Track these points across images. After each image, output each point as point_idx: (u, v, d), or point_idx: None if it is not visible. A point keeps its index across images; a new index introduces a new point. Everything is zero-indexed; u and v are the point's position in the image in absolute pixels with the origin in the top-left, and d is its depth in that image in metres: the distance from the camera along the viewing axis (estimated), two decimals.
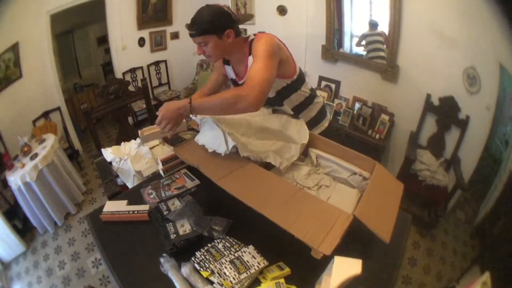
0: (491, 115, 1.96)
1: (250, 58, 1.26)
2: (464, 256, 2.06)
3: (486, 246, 1.94)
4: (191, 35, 1.20)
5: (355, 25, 2.80)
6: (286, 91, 1.37)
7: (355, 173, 1.17)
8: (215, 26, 1.18)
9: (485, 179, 2.03)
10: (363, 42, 2.72)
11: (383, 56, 2.57)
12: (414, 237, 2.22)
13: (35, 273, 2.07)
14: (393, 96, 2.59)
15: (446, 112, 2.24)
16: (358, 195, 1.12)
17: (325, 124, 1.56)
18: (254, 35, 1.28)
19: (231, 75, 1.43)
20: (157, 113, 1.11)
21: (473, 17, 1.94)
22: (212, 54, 1.24)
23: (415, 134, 2.48)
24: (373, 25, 2.61)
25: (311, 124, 1.48)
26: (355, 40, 2.83)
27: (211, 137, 1.17)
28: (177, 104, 1.10)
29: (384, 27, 2.50)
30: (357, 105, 2.85)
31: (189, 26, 1.19)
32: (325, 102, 3.00)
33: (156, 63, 3.91)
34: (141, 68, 3.77)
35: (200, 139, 1.20)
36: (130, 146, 1.61)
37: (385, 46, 2.56)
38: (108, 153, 1.56)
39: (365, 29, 2.69)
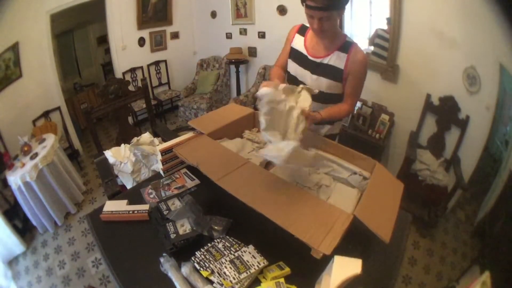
0: (491, 115, 1.96)
1: (342, 55, 1.33)
2: (464, 256, 2.06)
3: (486, 246, 1.93)
4: (314, 8, 1.17)
5: (355, 25, 2.80)
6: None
7: (355, 173, 1.18)
8: (344, 2, 1.22)
9: (485, 179, 2.03)
10: (376, 41, 2.65)
11: (385, 56, 2.57)
12: (414, 237, 2.22)
13: (35, 273, 2.07)
14: (393, 95, 2.59)
15: (446, 112, 2.24)
16: (358, 195, 1.12)
17: (336, 130, 1.64)
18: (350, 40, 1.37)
19: (299, 46, 1.45)
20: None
21: (473, 17, 1.93)
22: (329, 29, 1.26)
23: (415, 134, 2.48)
24: (390, 22, 2.48)
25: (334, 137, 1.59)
26: (356, 39, 2.82)
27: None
28: (315, 118, 1.20)
29: (384, 26, 2.50)
30: (357, 105, 2.85)
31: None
32: None
33: (156, 63, 3.92)
34: (141, 68, 3.77)
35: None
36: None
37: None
38: (109, 156, 1.57)
39: (365, 29, 2.69)
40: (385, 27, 2.52)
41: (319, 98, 1.37)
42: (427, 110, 2.37)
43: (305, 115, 1.08)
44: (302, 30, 1.45)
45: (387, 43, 2.51)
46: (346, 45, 1.33)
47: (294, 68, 1.48)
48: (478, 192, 2.10)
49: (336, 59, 1.34)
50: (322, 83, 1.39)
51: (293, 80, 1.50)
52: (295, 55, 1.46)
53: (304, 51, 1.42)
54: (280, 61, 1.55)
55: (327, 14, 1.19)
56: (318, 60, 1.38)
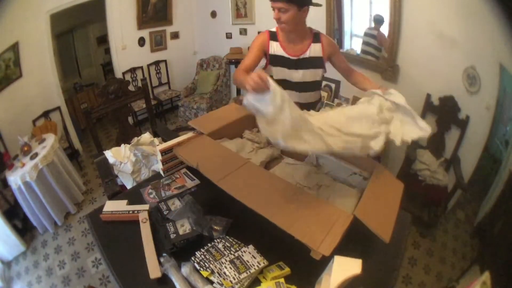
0: (491, 115, 1.96)
1: (316, 46, 1.54)
2: (464, 256, 2.06)
3: (486, 246, 1.93)
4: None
5: (355, 24, 2.80)
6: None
7: (355, 173, 1.18)
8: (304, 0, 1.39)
9: (485, 179, 2.03)
10: (364, 39, 2.72)
11: (375, 58, 2.61)
12: (414, 237, 2.22)
13: (35, 273, 2.07)
14: None
15: (446, 112, 2.23)
16: (358, 195, 1.11)
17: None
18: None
19: (277, 51, 1.57)
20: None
21: (473, 17, 1.93)
22: (287, 22, 1.43)
23: None
24: (377, 21, 2.56)
25: (315, 104, 1.74)
26: (355, 39, 2.83)
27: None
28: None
29: (384, 26, 2.50)
30: None
31: None
32: (325, 101, 3.00)
33: (156, 63, 3.91)
34: (141, 68, 3.77)
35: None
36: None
37: (381, 48, 2.57)
38: (109, 156, 1.57)
39: (365, 28, 2.69)
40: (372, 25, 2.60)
41: (303, 88, 1.62)
42: (427, 110, 2.37)
43: None
44: (273, 37, 1.59)
45: (372, 39, 2.62)
46: (317, 36, 1.55)
47: (281, 72, 1.59)
48: (478, 192, 2.10)
49: (314, 50, 1.54)
50: (307, 75, 1.58)
51: (280, 83, 1.49)
52: (277, 60, 1.58)
53: (284, 54, 1.56)
54: (247, 65, 1.50)
55: (285, 6, 1.38)
56: (300, 57, 1.55)
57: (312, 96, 1.68)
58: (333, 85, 3.03)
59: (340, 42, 2.87)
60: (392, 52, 2.43)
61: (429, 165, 2.32)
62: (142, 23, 3.58)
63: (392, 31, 2.37)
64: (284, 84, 1.55)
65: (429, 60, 2.25)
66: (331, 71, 3.10)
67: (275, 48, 1.57)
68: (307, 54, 1.54)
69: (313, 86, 1.64)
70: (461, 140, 2.18)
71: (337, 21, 2.77)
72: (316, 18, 2.83)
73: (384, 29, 2.49)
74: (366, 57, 2.70)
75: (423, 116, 2.40)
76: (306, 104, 1.66)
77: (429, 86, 2.33)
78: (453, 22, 2.05)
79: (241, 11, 3.56)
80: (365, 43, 2.71)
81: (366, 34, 2.70)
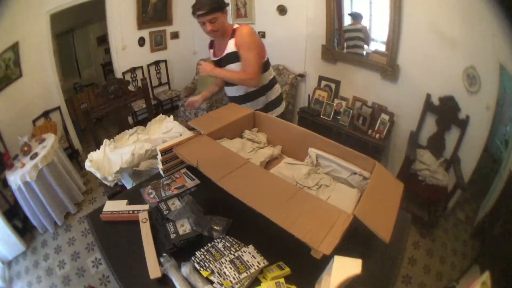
0: (491, 115, 1.96)
1: (231, 42, 1.61)
2: (464, 256, 2.06)
3: (486, 246, 1.94)
4: (202, 15, 1.49)
5: None
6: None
7: (355, 173, 1.17)
8: (221, 3, 1.52)
9: (485, 179, 2.03)
10: (347, 35, 2.77)
11: (362, 53, 2.65)
12: (414, 237, 2.22)
13: (35, 273, 2.07)
14: (393, 95, 2.59)
15: (446, 112, 2.24)
16: (358, 195, 1.11)
17: (281, 110, 1.88)
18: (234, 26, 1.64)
19: (211, 56, 1.78)
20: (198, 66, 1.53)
21: (473, 17, 1.94)
22: (221, 28, 1.56)
23: (415, 134, 2.48)
24: (354, 16, 2.63)
25: (271, 106, 1.82)
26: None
27: None
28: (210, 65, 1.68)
29: (384, 26, 2.50)
30: (357, 105, 2.85)
31: (198, 8, 1.48)
32: (325, 101, 3.00)
33: (156, 63, 3.92)
34: (141, 67, 3.77)
35: None
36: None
37: (365, 42, 2.63)
38: (94, 171, 1.56)
39: (345, 26, 2.72)
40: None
41: (230, 83, 1.73)
42: (427, 110, 2.37)
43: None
44: (210, 45, 1.78)
45: (356, 32, 2.69)
46: (234, 32, 1.61)
47: None
48: (478, 192, 2.11)
49: (230, 46, 1.63)
50: (230, 70, 1.67)
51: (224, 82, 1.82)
52: (214, 65, 1.73)
53: (213, 57, 1.75)
54: None
55: (212, 16, 1.50)
56: (222, 56, 1.67)
57: (241, 89, 1.74)
58: (333, 85, 3.03)
59: (340, 42, 2.87)
60: (392, 52, 2.43)
61: (429, 165, 2.32)
62: (142, 23, 3.59)
63: (392, 31, 2.37)
64: (225, 82, 1.78)
65: (429, 60, 2.25)
66: (332, 72, 3.12)
67: (211, 55, 1.78)
68: (226, 52, 1.64)
69: None
70: (461, 140, 2.18)
71: (337, 21, 2.77)
72: (316, 18, 2.85)
73: (384, 28, 2.50)
74: (356, 51, 2.76)
75: (423, 116, 2.40)
76: (244, 96, 1.76)
77: (429, 86, 2.33)
78: (453, 22, 2.05)
79: (241, 11, 3.56)
80: (350, 38, 2.77)
81: (350, 31, 2.76)
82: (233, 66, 1.66)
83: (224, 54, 1.65)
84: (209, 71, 1.66)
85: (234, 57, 1.63)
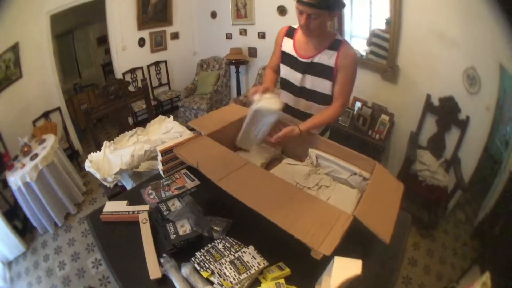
0: (491, 115, 1.96)
1: (330, 53, 1.33)
2: (464, 257, 2.06)
3: (486, 246, 1.93)
4: (308, 4, 1.19)
5: (355, 25, 2.80)
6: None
7: (355, 174, 1.17)
8: (337, 4, 1.24)
9: (485, 179, 2.03)
10: (373, 40, 2.65)
11: (383, 55, 2.57)
12: (414, 237, 2.22)
13: (35, 273, 2.07)
14: (393, 96, 2.59)
15: (446, 112, 2.24)
16: (358, 196, 1.12)
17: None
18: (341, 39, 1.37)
19: (288, 48, 1.45)
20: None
21: (473, 17, 1.94)
22: (317, 28, 1.26)
23: (415, 134, 2.48)
24: (389, 23, 2.45)
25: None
26: (355, 40, 2.83)
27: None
28: (292, 134, 1.27)
29: (382, 26, 2.50)
30: (357, 105, 2.85)
31: None
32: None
33: (156, 63, 3.92)
34: (141, 68, 3.77)
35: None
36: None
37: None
38: (93, 172, 1.56)
39: (365, 29, 2.69)
40: (383, 27, 2.52)
41: (304, 95, 1.46)
42: (427, 110, 2.37)
43: (283, 134, 1.25)
44: (290, 33, 1.46)
45: (385, 42, 2.52)
46: (336, 43, 1.33)
47: (284, 71, 1.50)
48: (478, 192, 2.10)
49: (326, 57, 1.34)
50: (311, 82, 1.41)
51: (285, 84, 1.53)
52: (285, 58, 1.47)
53: (293, 53, 1.42)
54: (272, 63, 1.58)
55: (317, 12, 1.20)
56: (308, 60, 1.38)
57: (313, 108, 1.48)
58: None
59: None
60: (392, 52, 2.43)
61: (429, 166, 2.32)
62: (142, 23, 3.59)
63: (392, 31, 2.38)
64: (287, 85, 1.51)
65: (429, 60, 2.25)
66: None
67: (287, 46, 1.45)
68: (316, 59, 1.35)
69: (317, 97, 1.43)
70: (461, 140, 2.18)
71: (337, 22, 2.77)
72: None
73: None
74: (372, 58, 2.65)
75: (423, 116, 2.40)
76: (305, 113, 1.51)
77: (429, 86, 2.33)
78: (453, 22, 2.05)
79: (241, 12, 3.56)
80: (374, 44, 2.63)
81: (377, 36, 2.60)
82: (318, 81, 1.39)
83: (316, 61, 1.36)
84: (295, 134, 1.27)
85: (326, 73, 1.35)
